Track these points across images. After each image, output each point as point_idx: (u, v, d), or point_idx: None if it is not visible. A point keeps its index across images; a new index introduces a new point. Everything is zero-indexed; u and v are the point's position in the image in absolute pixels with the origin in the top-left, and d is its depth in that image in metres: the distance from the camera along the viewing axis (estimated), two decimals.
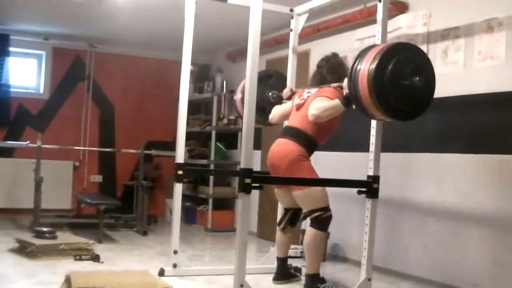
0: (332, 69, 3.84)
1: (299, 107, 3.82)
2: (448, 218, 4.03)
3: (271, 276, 4.07)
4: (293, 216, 3.98)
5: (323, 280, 3.71)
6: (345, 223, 4.85)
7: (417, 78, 3.00)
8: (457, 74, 4.05)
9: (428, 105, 3.14)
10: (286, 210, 4.00)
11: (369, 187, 3.47)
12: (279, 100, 4.18)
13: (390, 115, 3.07)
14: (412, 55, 3.08)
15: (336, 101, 3.46)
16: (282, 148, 3.73)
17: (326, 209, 3.64)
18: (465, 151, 3.95)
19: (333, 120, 3.63)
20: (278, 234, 4.07)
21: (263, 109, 4.14)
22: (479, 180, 3.83)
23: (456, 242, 3.95)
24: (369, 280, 3.48)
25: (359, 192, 3.50)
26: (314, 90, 3.79)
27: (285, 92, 4.15)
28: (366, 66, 3.00)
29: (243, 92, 4.28)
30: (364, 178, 3.52)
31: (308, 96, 3.77)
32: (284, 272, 4.06)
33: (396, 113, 3.07)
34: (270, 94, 4.23)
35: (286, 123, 4.03)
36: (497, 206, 3.69)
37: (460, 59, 4.03)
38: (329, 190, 3.72)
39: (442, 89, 4.09)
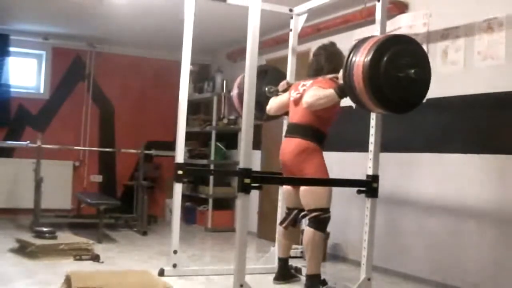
0: (330, 58, 3.81)
1: (296, 102, 3.82)
2: (448, 218, 4.03)
3: (271, 276, 4.07)
4: (297, 216, 3.98)
5: (324, 282, 3.71)
6: (345, 223, 4.85)
7: (412, 71, 2.98)
8: (457, 74, 4.05)
9: (423, 98, 3.14)
10: (290, 210, 4.00)
11: (369, 187, 3.46)
12: (276, 95, 4.17)
13: (384, 107, 3.07)
14: (408, 48, 3.06)
15: (330, 91, 3.45)
16: (293, 148, 3.72)
17: (326, 210, 3.64)
18: (465, 151, 3.94)
19: (331, 109, 3.63)
20: (280, 234, 4.07)
21: (259, 104, 4.12)
22: (479, 180, 3.83)
23: (456, 242, 3.95)
24: (369, 280, 3.47)
25: (359, 192, 3.50)
26: (309, 83, 3.79)
27: (281, 85, 4.14)
28: (361, 58, 2.99)
29: (239, 88, 4.29)
30: (364, 177, 3.52)
31: (304, 90, 3.76)
32: (285, 272, 4.06)
33: (390, 105, 3.06)
34: (266, 88, 4.21)
35: (285, 120, 4.02)
36: (498, 206, 3.69)
37: (460, 59, 4.03)
38: (331, 193, 3.71)
39: (442, 89, 4.10)
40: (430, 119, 4.21)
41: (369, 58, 2.95)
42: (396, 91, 3.00)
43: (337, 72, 3.58)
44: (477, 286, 3.75)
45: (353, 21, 4.92)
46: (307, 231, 3.64)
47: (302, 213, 3.83)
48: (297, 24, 4.51)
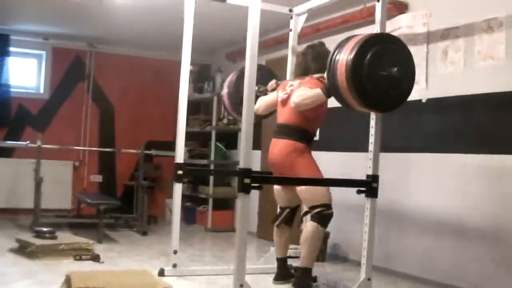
0: (317, 57, 3.82)
1: (284, 102, 3.82)
2: (448, 218, 4.03)
3: (271, 276, 4.07)
4: (289, 215, 3.99)
5: (315, 279, 3.70)
6: (345, 223, 4.84)
7: (395, 69, 2.99)
8: (457, 74, 4.05)
9: (407, 96, 3.13)
10: (282, 209, 4.00)
11: (369, 187, 3.46)
12: (265, 94, 4.17)
13: (367, 106, 3.07)
14: (391, 46, 3.07)
15: (317, 90, 3.47)
16: (281, 148, 3.73)
17: (329, 206, 3.65)
18: (465, 151, 3.94)
19: (318, 109, 3.63)
20: (275, 234, 4.07)
21: None
22: (479, 180, 3.83)
23: (456, 242, 3.95)
24: (369, 280, 3.47)
25: (359, 192, 3.50)
26: (296, 83, 3.79)
27: (270, 84, 4.14)
28: (344, 56, 3.00)
29: (229, 87, 4.28)
30: (364, 178, 3.52)
31: (292, 90, 3.77)
32: (284, 272, 4.05)
33: (373, 104, 3.06)
34: (256, 88, 4.19)
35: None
36: (497, 206, 3.69)
37: (460, 59, 4.03)
38: (330, 190, 3.73)
39: (442, 89, 4.10)
40: (430, 119, 4.21)
41: (351, 56, 2.95)
42: (379, 90, 3.00)
43: (324, 71, 3.57)
44: (477, 286, 3.75)
45: (353, 21, 4.92)
46: (310, 224, 3.64)
47: (303, 211, 3.83)
48: (297, 24, 4.51)
